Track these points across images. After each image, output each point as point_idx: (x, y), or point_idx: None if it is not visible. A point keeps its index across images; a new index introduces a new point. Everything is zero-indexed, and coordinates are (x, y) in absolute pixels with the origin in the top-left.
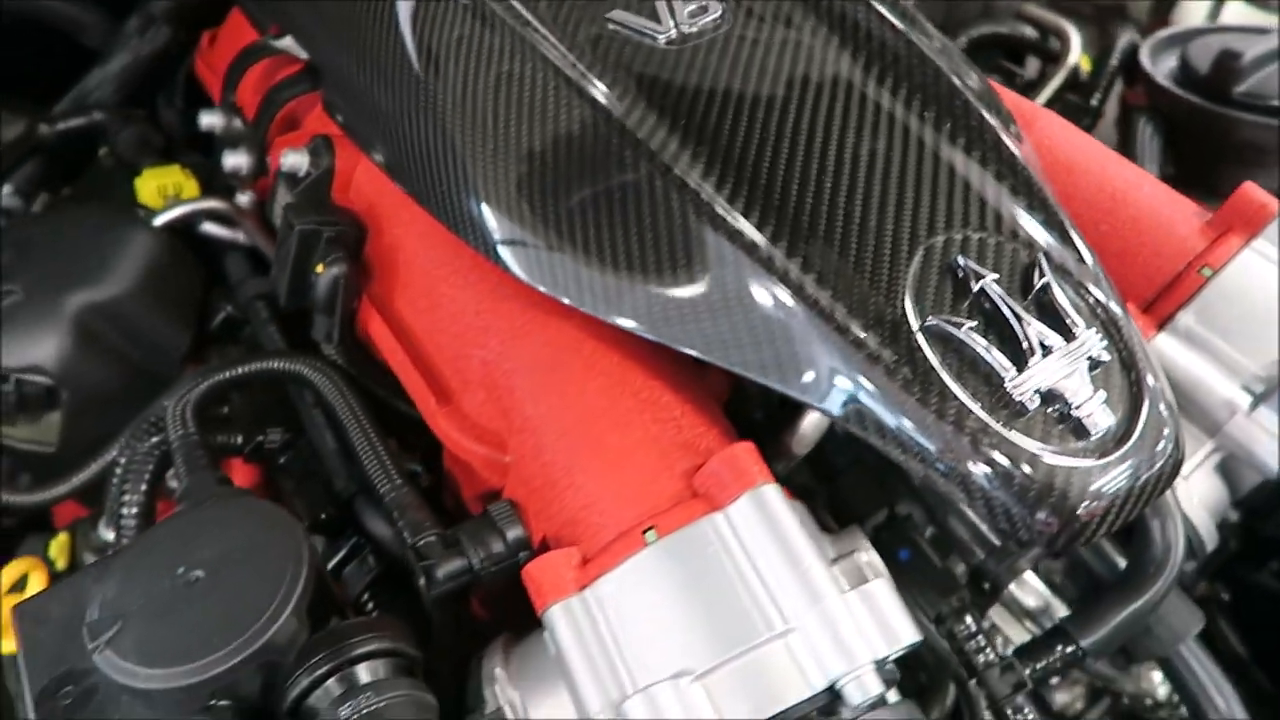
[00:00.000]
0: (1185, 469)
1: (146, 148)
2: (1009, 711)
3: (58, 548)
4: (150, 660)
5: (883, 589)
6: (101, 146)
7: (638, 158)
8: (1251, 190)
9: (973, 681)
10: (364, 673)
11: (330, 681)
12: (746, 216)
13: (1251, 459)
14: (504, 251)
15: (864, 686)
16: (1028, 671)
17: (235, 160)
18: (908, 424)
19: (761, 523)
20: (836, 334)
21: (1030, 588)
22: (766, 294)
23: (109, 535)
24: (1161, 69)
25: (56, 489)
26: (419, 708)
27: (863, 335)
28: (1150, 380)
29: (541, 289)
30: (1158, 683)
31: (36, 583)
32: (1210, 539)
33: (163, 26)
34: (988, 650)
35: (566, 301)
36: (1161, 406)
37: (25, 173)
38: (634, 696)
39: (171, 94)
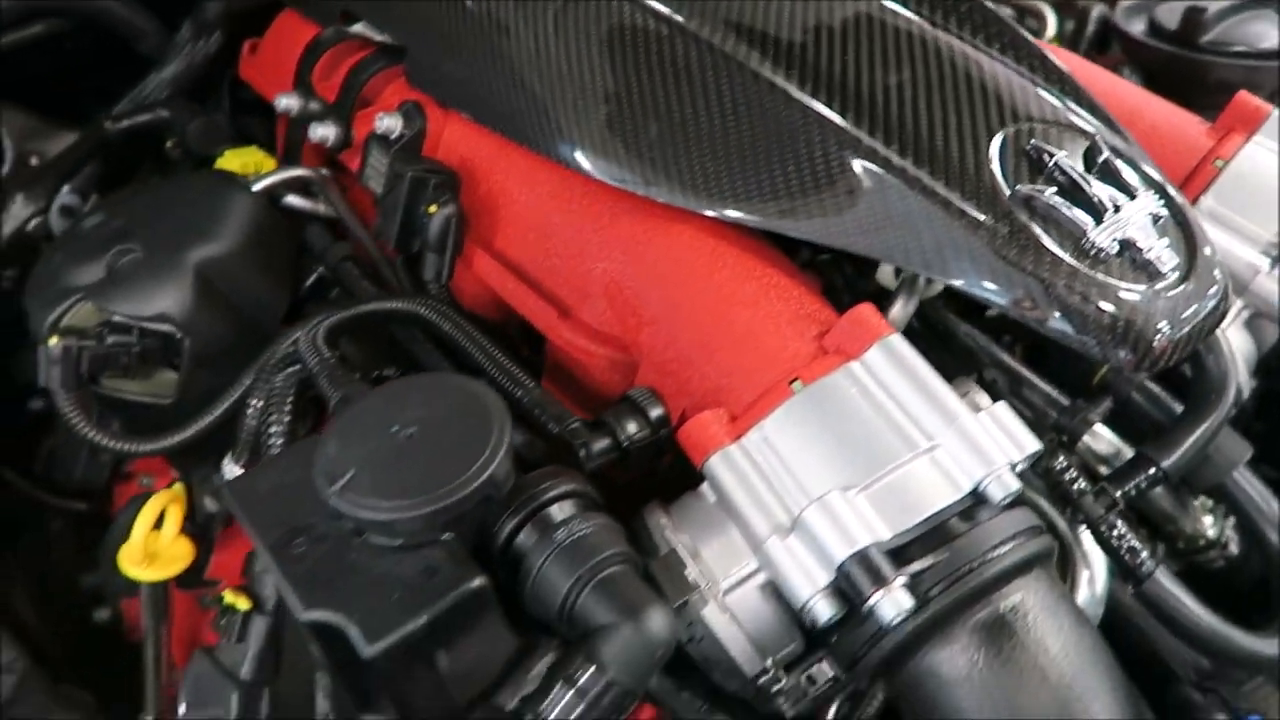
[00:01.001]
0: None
1: (216, 136)
2: (1103, 529)
3: (161, 509)
4: (388, 496)
5: (1005, 410)
6: (167, 140)
7: (743, 74)
8: (1247, 97)
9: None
10: (564, 509)
11: (538, 517)
12: (843, 116)
13: (1274, 311)
14: (619, 172)
15: (1004, 484)
16: (1118, 493)
17: (323, 131)
18: (1011, 277)
19: (894, 365)
20: (940, 206)
21: (1101, 437)
22: (874, 179)
23: (236, 471)
24: (1135, 29)
25: (183, 433)
26: (613, 531)
27: (962, 205)
28: (1200, 231)
29: (661, 199)
30: (1208, 525)
31: (173, 517)
32: (1246, 388)
33: (214, 34)
34: (1080, 480)
35: (686, 206)
36: (1210, 251)
37: (86, 173)
38: (809, 506)
39: (219, 98)
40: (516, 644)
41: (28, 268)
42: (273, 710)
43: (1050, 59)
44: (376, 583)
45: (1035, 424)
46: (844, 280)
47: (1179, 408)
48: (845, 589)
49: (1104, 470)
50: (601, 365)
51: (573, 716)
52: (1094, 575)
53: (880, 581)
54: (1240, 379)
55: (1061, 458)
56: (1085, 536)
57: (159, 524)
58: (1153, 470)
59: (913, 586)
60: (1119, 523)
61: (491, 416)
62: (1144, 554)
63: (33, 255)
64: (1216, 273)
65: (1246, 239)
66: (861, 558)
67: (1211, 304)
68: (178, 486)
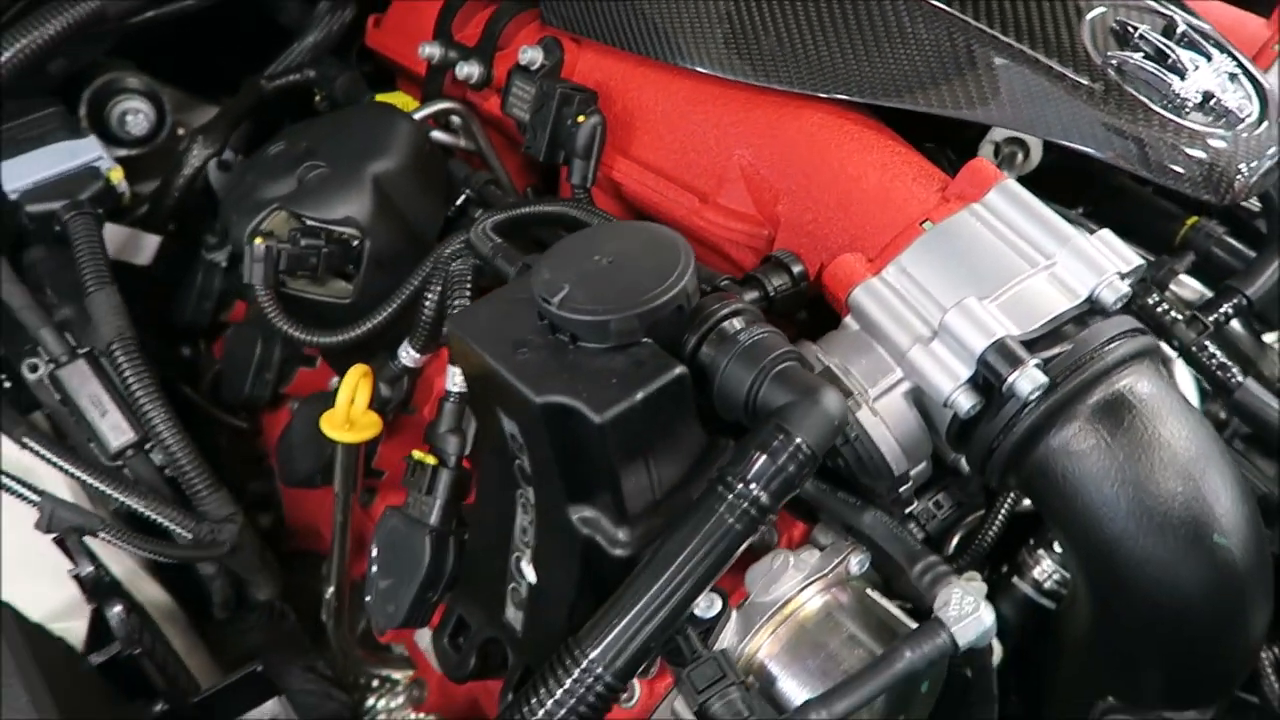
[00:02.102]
0: None
1: (359, 88)
2: (1194, 350)
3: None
4: (601, 304)
5: (1110, 234)
6: (316, 95)
7: None
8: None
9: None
10: (739, 321)
11: (718, 329)
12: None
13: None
14: (750, 70)
15: (1115, 289)
16: (1212, 319)
17: (468, 70)
18: (1109, 129)
19: (1013, 203)
20: (1043, 74)
21: (1187, 285)
22: (983, 55)
23: (410, 359)
24: None
25: (365, 325)
26: (781, 336)
27: (1062, 70)
28: (1270, 88)
29: (796, 90)
30: None
31: (364, 390)
32: None
33: (348, 7)
34: (1172, 311)
35: (812, 93)
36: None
37: (242, 131)
38: (951, 310)
39: (349, 64)
40: (705, 440)
41: (189, 215)
42: (457, 557)
43: None
44: (594, 374)
45: None
46: (948, 163)
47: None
48: (985, 375)
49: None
50: (739, 241)
51: (767, 474)
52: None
53: (1017, 363)
54: None
55: (1155, 296)
56: (1178, 368)
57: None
58: (1237, 299)
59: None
60: (1209, 344)
61: (678, 245)
62: (1234, 369)
63: (199, 199)
64: None
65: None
66: (1000, 345)
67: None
68: (365, 366)
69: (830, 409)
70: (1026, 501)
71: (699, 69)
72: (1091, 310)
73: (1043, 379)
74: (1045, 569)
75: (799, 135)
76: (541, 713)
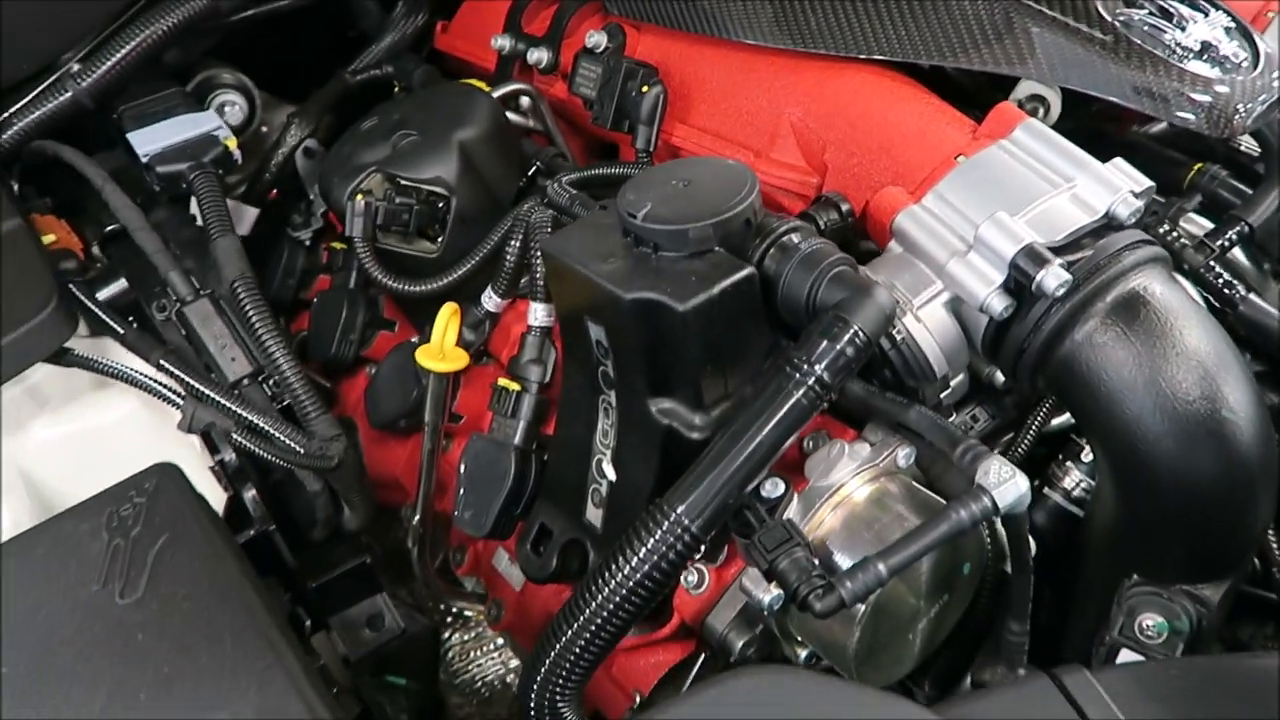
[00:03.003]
0: None
1: (435, 79)
2: (1201, 271)
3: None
4: (680, 217)
5: (1122, 162)
6: (395, 87)
7: None
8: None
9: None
10: (797, 236)
11: (780, 242)
12: None
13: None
14: (799, 38)
15: (1129, 204)
16: (1218, 244)
17: (537, 55)
18: (1120, 77)
19: (1036, 138)
20: (1058, 26)
21: (1195, 221)
22: (1003, 16)
23: (493, 304)
24: None
25: (451, 275)
26: (834, 247)
27: (1077, 26)
28: (1261, 40)
29: (836, 52)
30: None
31: (454, 326)
32: None
33: (422, 12)
34: (1182, 238)
35: (856, 54)
36: (1269, 53)
37: (326, 122)
38: (984, 223)
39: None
40: (771, 341)
41: (284, 191)
42: (538, 474)
43: None
44: (675, 275)
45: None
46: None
47: None
48: (1016, 278)
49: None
50: (791, 189)
51: (829, 356)
52: None
53: (1044, 263)
54: None
55: (1165, 226)
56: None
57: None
58: (1240, 226)
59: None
60: (1215, 265)
61: (745, 171)
62: (1238, 286)
63: (289, 182)
64: (1274, 70)
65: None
66: (1028, 249)
67: (1271, 92)
68: (454, 305)
69: (881, 301)
70: (1055, 421)
71: (750, 42)
72: (1109, 225)
73: (1066, 276)
74: (1074, 479)
75: (843, 92)
76: (635, 560)
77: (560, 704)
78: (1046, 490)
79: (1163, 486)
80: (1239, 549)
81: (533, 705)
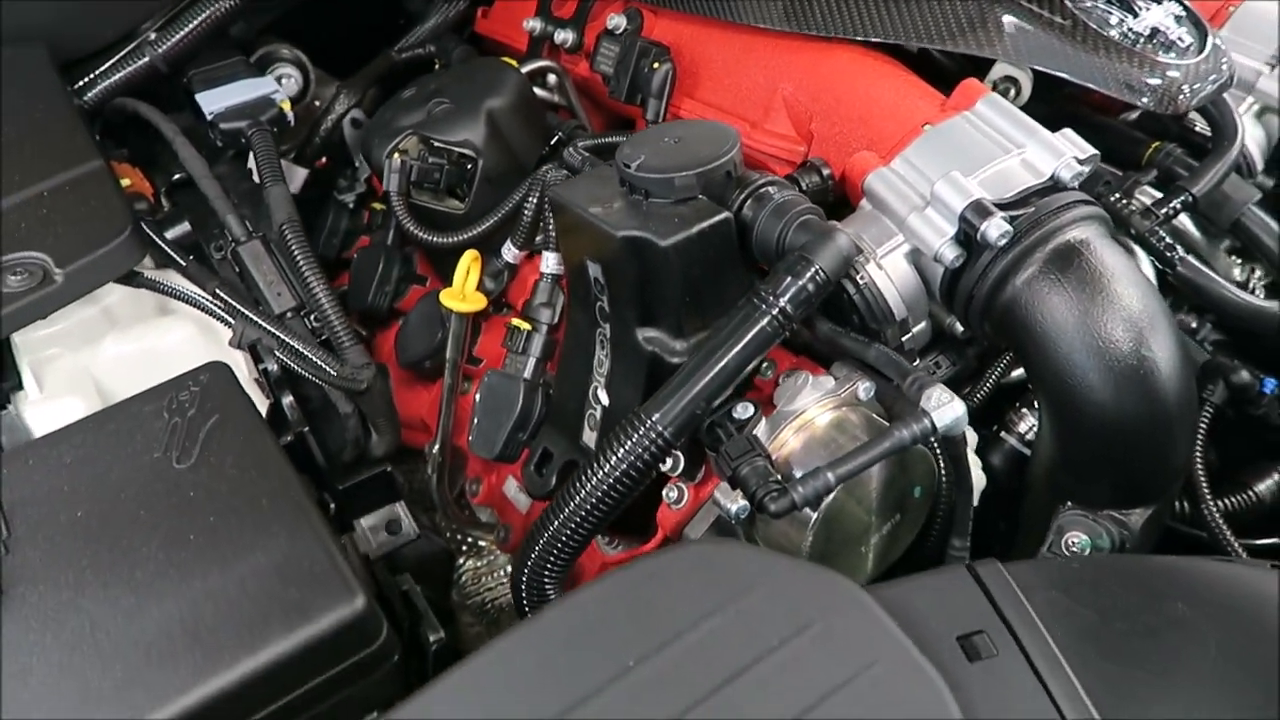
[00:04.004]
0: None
1: (473, 57)
2: (1146, 235)
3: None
4: (668, 167)
5: (1071, 132)
6: (436, 64)
7: None
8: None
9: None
10: (773, 188)
11: (757, 194)
12: None
13: (1274, 101)
14: (797, 21)
15: (1071, 167)
16: (1164, 211)
17: (563, 35)
18: (1078, 59)
19: (995, 110)
20: (1024, 12)
21: (1148, 193)
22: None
23: (511, 255)
24: None
25: (476, 229)
26: (805, 199)
27: (1039, 12)
28: (1210, 29)
29: (829, 34)
30: (1236, 270)
31: (475, 271)
32: (1259, 160)
33: None
34: (1130, 203)
35: (847, 37)
36: (1216, 41)
37: (371, 94)
38: (939, 181)
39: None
40: (746, 281)
41: (332, 158)
42: (543, 404)
43: None
44: (662, 217)
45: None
46: None
47: None
48: (965, 229)
49: None
50: (780, 156)
51: (791, 290)
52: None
53: (988, 215)
54: (1252, 153)
55: (1118, 195)
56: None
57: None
58: (1184, 196)
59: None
60: (1159, 230)
61: (729, 131)
62: (1178, 249)
63: (336, 149)
64: (1222, 54)
65: (1252, 54)
66: (976, 204)
67: (1218, 75)
68: (475, 251)
69: (841, 244)
70: (1015, 374)
71: (755, 24)
72: (1054, 187)
73: (1008, 227)
74: (1028, 424)
75: (832, 69)
76: (614, 459)
77: (547, 585)
78: (1003, 434)
79: (1091, 423)
80: (1160, 481)
81: (524, 584)
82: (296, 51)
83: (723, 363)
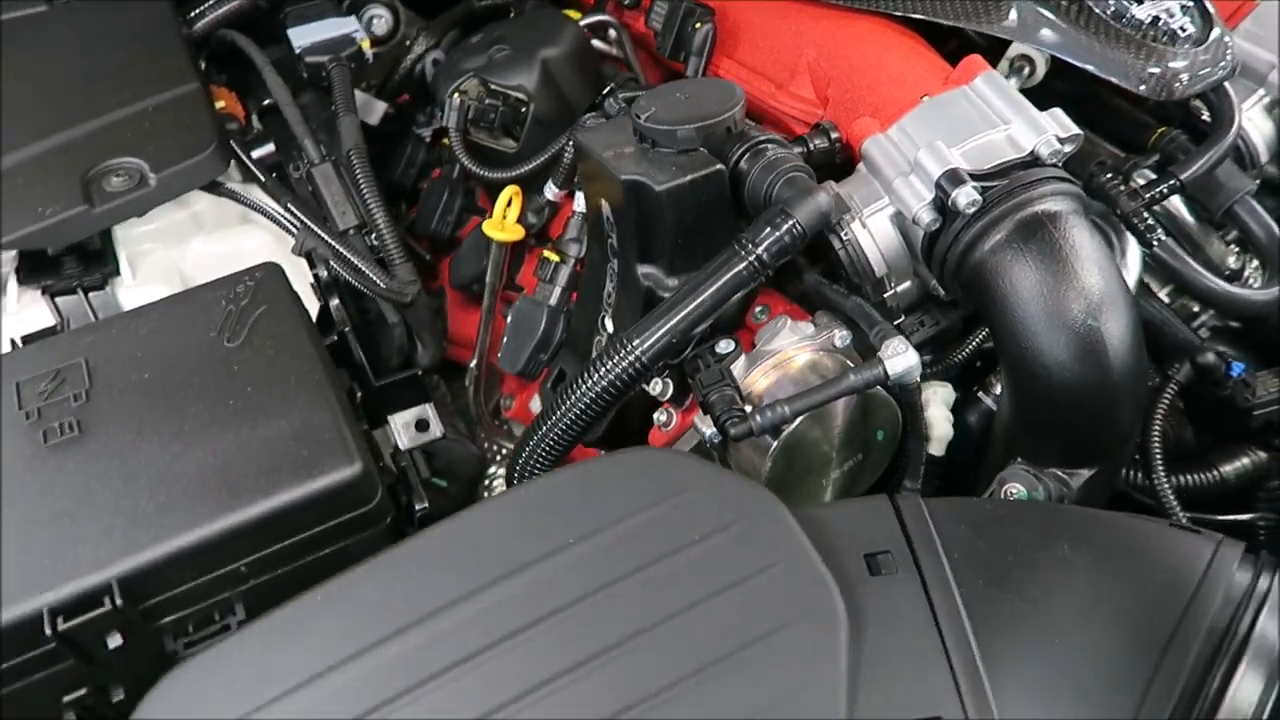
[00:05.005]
0: (1247, 105)
1: (545, 6)
2: (1131, 216)
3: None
4: (673, 119)
5: (1060, 112)
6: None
7: None
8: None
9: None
10: (768, 146)
11: (754, 149)
12: None
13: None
14: None
15: (1051, 145)
16: (1149, 195)
17: None
18: (1079, 41)
19: (991, 87)
20: None
21: (1145, 174)
22: None
23: (552, 193)
24: None
25: (524, 166)
26: (798, 159)
27: None
28: (1217, 20)
29: (856, 6)
30: (1231, 258)
31: (516, 203)
32: (1264, 152)
33: None
34: (1118, 183)
35: (863, 8)
36: (1220, 32)
37: (451, 37)
38: (921, 149)
39: None
40: (736, 229)
41: (413, 94)
42: (565, 331)
43: None
44: (662, 165)
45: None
46: None
47: None
48: (940, 195)
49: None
50: (800, 118)
51: (769, 240)
52: (1130, 260)
53: (960, 183)
54: (1256, 145)
55: (1110, 175)
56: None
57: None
58: (1172, 180)
59: (982, 195)
60: (1144, 213)
61: (735, 90)
62: (1158, 230)
63: (417, 87)
64: (1226, 46)
65: (1271, 47)
66: (951, 172)
67: (1220, 65)
68: (516, 186)
69: (821, 202)
70: None
71: None
72: (1034, 162)
73: (976, 196)
74: (1001, 386)
75: (850, 37)
76: (597, 375)
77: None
78: (980, 395)
79: (1043, 386)
80: (1104, 445)
81: (516, 476)
82: None
83: (700, 299)
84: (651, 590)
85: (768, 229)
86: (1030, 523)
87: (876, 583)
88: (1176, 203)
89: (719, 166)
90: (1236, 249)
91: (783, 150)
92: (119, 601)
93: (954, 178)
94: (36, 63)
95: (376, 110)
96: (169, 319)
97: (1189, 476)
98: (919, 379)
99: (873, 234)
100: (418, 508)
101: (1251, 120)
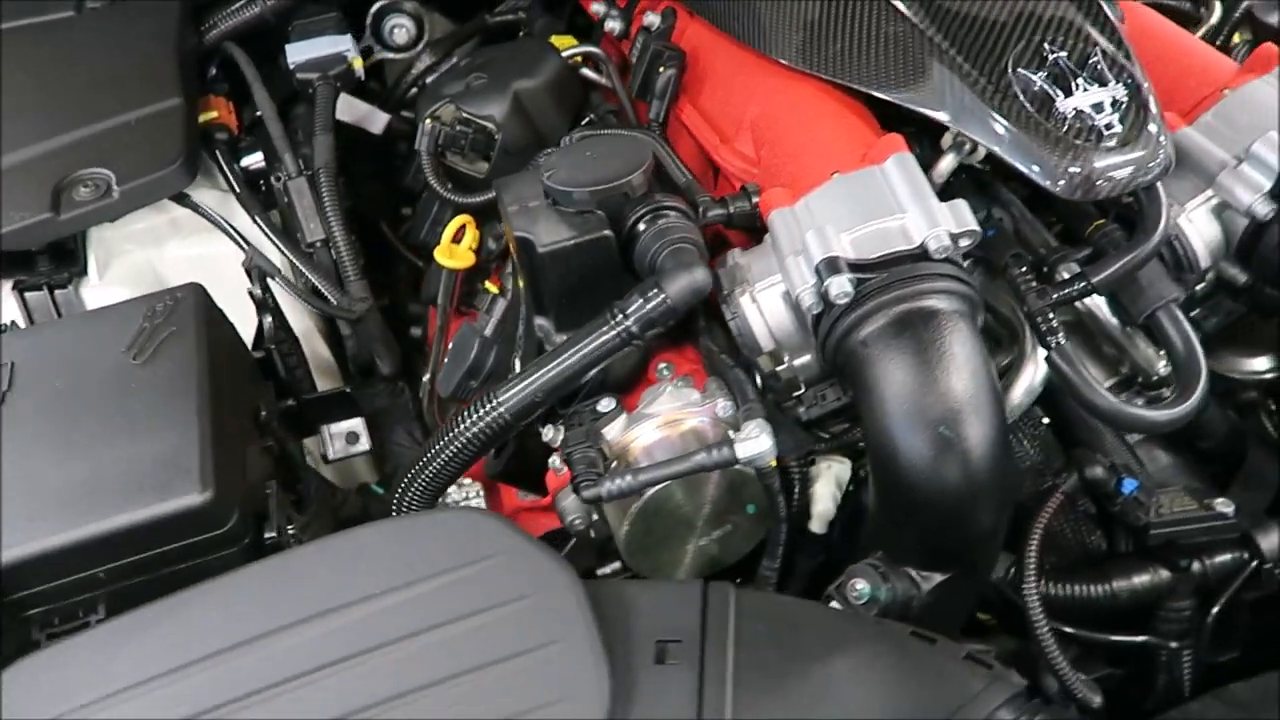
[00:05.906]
0: (1192, 205)
1: (554, 28)
2: (1036, 317)
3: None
4: (571, 182)
5: (962, 204)
6: (521, 31)
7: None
8: (1271, 48)
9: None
10: (673, 213)
11: (651, 214)
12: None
13: (1235, 202)
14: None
15: (939, 240)
16: (1054, 296)
17: (612, 24)
18: (995, 122)
19: (901, 170)
20: (954, 71)
21: (1070, 266)
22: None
23: None
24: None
25: (484, 194)
26: (693, 230)
27: (972, 71)
28: (1154, 117)
29: (798, 67)
30: (1159, 363)
31: (470, 235)
32: (1204, 258)
33: None
34: (1030, 278)
35: (800, 68)
36: (1156, 130)
37: (464, 48)
38: (809, 232)
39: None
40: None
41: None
42: (495, 359)
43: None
44: (555, 224)
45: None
46: (920, 149)
47: None
48: (818, 282)
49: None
50: (738, 175)
51: (639, 313)
52: (1036, 368)
53: (837, 271)
54: (1195, 251)
55: (1024, 269)
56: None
57: (458, 239)
58: (1084, 283)
59: (859, 285)
60: (1051, 314)
61: (646, 149)
62: (1060, 334)
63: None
64: (1160, 146)
65: (1225, 145)
66: (829, 260)
67: (1150, 165)
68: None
69: (696, 278)
70: None
71: (744, 43)
72: (924, 256)
73: (849, 288)
74: None
75: (789, 100)
76: (461, 428)
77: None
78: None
79: (900, 483)
80: (959, 550)
81: (394, 508)
82: (416, 4)
83: (565, 364)
84: (426, 653)
85: (639, 300)
86: (824, 629)
87: (656, 671)
88: (1100, 303)
89: (606, 232)
90: (1165, 355)
91: (679, 219)
92: None
93: (831, 265)
94: (36, 72)
95: (379, 121)
96: (92, 331)
97: (1076, 588)
98: (773, 463)
99: (761, 309)
100: (266, 536)
101: (1193, 222)
